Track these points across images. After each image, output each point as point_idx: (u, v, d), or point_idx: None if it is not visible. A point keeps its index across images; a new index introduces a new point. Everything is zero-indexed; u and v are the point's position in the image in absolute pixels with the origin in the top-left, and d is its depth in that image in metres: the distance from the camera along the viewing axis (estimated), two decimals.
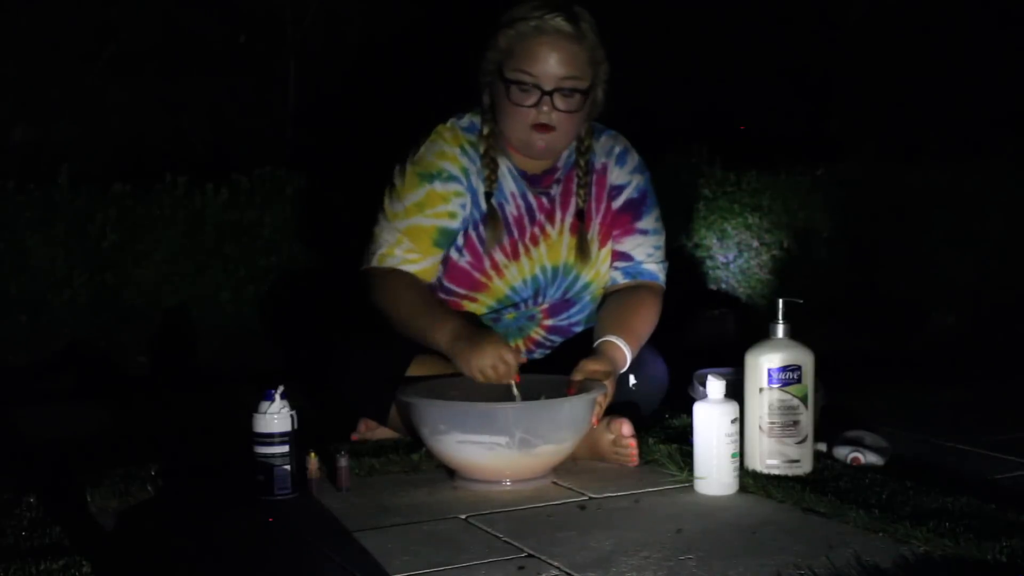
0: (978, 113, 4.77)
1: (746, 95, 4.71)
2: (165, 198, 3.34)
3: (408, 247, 2.32)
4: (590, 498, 2.01)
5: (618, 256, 2.43)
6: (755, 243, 4.05)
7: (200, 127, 3.94)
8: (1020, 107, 4.78)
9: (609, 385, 2.18)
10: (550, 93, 2.26)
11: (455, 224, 2.34)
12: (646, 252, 2.43)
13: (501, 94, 2.30)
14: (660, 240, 2.45)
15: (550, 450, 2.08)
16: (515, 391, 2.14)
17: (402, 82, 3.86)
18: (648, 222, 2.44)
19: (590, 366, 2.19)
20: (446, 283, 2.37)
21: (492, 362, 2.12)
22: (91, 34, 3.78)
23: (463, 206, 2.35)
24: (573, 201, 2.40)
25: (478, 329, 2.24)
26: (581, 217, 2.39)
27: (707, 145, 4.09)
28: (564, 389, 2.14)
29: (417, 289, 2.31)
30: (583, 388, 2.14)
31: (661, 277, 2.44)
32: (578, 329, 2.43)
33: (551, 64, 2.26)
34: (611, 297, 2.41)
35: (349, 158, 3.47)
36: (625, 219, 2.43)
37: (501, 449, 2.04)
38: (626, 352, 2.27)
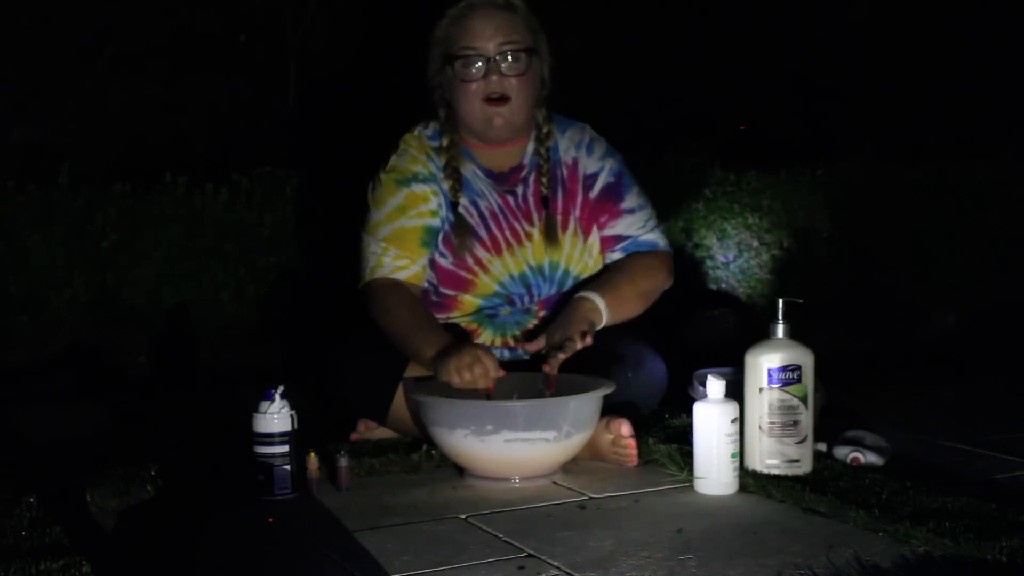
0: (978, 113, 4.77)
1: (746, 95, 4.71)
2: (165, 198, 3.34)
3: (395, 254, 2.34)
4: (590, 498, 2.01)
5: (613, 240, 2.44)
6: (755, 243, 4.05)
7: (200, 127, 3.94)
8: (1020, 107, 4.78)
9: (579, 334, 2.20)
10: (495, 58, 2.30)
11: (437, 222, 2.38)
12: (638, 227, 2.45)
13: (451, 78, 2.36)
14: (648, 213, 2.46)
15: (580, 440, 2.12)
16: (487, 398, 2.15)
17: (401, 82, 3.86)
18: (631, 200, 2.45)
19: (546, 339, 2.23)
20: (437, 286, 2.38)
21: (470, 361, 2.13)
22: (91, 34, 3.78)
23: (440, 205, 2.38)
24: (541, 194, 2.42)
25: (460, 340, 2.26)
26: (546, 204, 2.40)
27: (707, 145, 4.09)
28: (538, 385, 2.19)
29: (407, 306, 2.32)
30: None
31: (661, 243, 2.45)
32: None
33: (489, 32, 2.32)
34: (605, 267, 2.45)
35: (349, 158, 3.47)
36: (607, 205, 2.44)
37: (547, 444, 2.06)
38: (596, 301, 2.28)
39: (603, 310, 2.30)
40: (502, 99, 2.33)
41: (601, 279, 2.38)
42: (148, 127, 3.84)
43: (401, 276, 2.34)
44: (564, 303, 2.39)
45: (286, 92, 4.07)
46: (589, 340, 2.22)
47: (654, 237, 2.45)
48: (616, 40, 4.29)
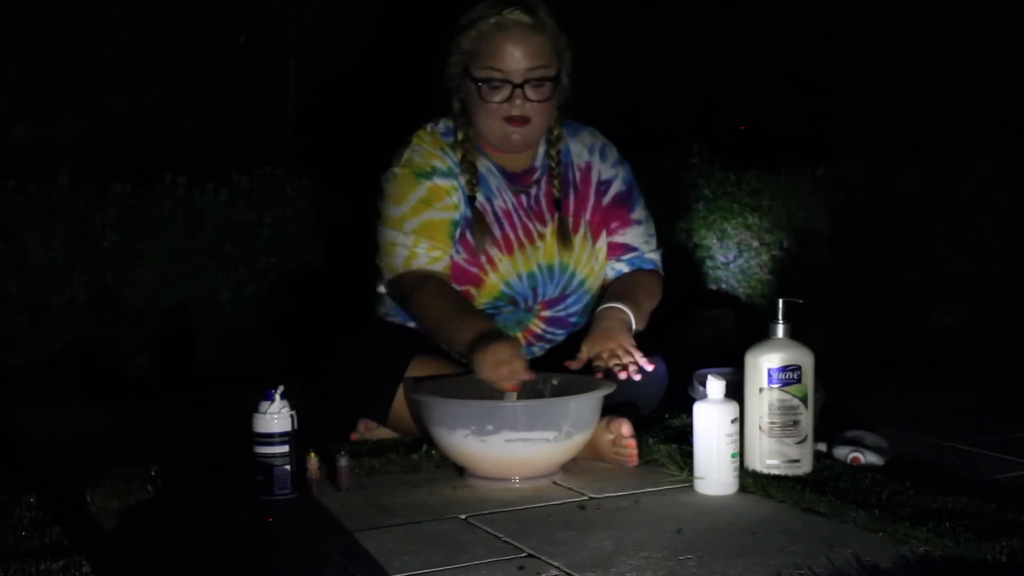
0: (978, 113, 4.77)
1: (746, 95, 4.71)
2: (165, 198, 3.34)
3: (429, 245, 2.32)
4: (590, 498, 2.01)
5: (621, 248, 2.45)
6: (755, 243, 4.05)
7: (200, 127, 3.94)
8: (1020, 107, 4.78)
9: (623, 340, 2.20)
10: (521, 85, 2.30)
11: (459, 216, 2.36)
12: (644, 240, 2.48)
13: (472, 94, 2.34)
14: (652, 227, 2.51)
15: (580, 440, 2.12)
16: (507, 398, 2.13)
17: (402, 82, 3.87)
18: (639, 212, 2.49)
19: (595, 349, 2.21)
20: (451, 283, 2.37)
21: (496, 362, 2.10)
22: (91, 34, 3.78)
23: (460, 201, 2.37)
24: (552, 197, 2.42)
25: (499, 332, 2.21)
26: (558, 206, 2.40)
27: (707, 145, 4.09)
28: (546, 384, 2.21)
29: (444, 295, 2.29)
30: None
31: (660, 265, 2.50)
32: (575, 320, 2.43)
33: (517, 58, 2.29)
34: (614, 280, 2.45)
35: (349, 158, 3.47)
36: (620, 212, 2.46)
37: (547, 444, 2.06)
38: (627, 311, 2.29)
39: (632, 320, 2.30)
40: (523, 120, 2.33)
41: (624, 293, 2.37)
42: (148, 127, 3.84)
43: (437, 267, 2.32)
44: (559, 298, 2.40)
45: (286, 92, 4.07)
46: (634, 350, 2.22)
47: (656, 258, 2.49)
48: (616, 39, 4.29)
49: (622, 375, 2.18)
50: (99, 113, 3.78)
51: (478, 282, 2.36)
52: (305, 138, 3.99)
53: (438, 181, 2.36)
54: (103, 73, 3.79)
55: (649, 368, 2.20)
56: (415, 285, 2.30)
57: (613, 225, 2.46)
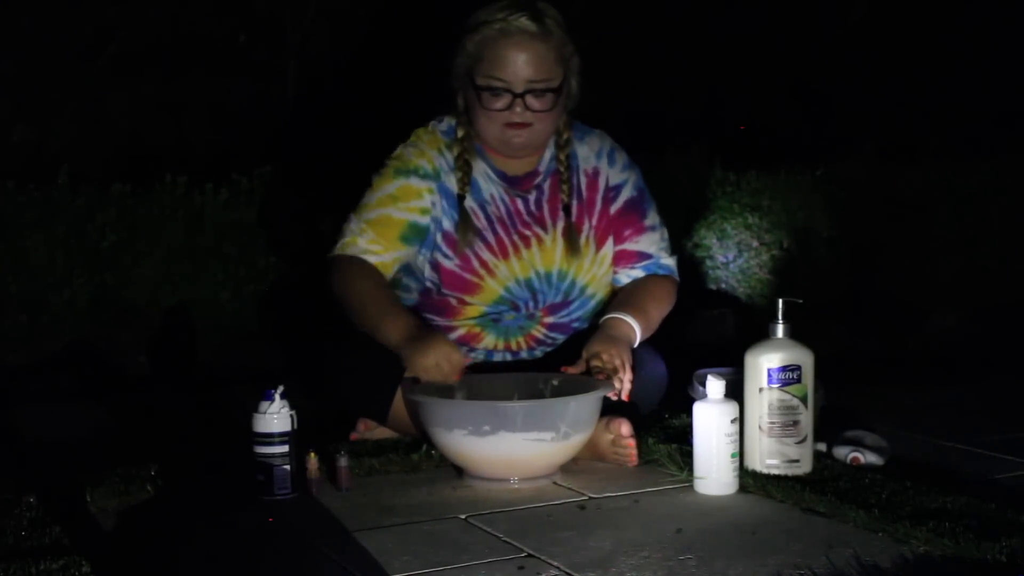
0: (978, 113, 4.77)
1: (746, 95, 4.71)
2: (165, 198, 3.34)
3: (371, 238, 2.34)
4: (590, 498, 2.01)
5: (636, 256, 2.44)
6: (755, 243, 4.05)
7: (200, 127, 3.94)
8: (1020, 107, 4.78)
9: (623, 355, 2.20)
10: (521, 95, 2.29)
11: (426, 220, 2.36)
12: (659, 246, 2.46)
13: (473, 99, 2.34)
14: (665, 232, 2.49)
15: (578, 441, 2.12)
16: (456, 390, 2.16)
17: (402, 82, 3.87)
18: (652, 217, 2.47)
19: (594, 349, 2.21)
20: (443, 289, 2.37)
21: (436, 361, 2.15)
22: (91, 34, 3.78)
23: (434, 204, 2.37)
24: (561, 203, 2.41)
25: (428, 329, 2.27)
26: (568, 212, 2.39)
27: (707, 145, 4.09)
28: (511, 388, 2.21)
29: (372, 280, 2.33)
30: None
31: (675, 270, 2.48)
32: (578, 325, 2.43)
33: (519, 66, 2.28)
34: (625, 285, 2.43)
35: (349, 158, 3.47)
36: (633, 219, 2.44)
37: (544, 445, 2.06)
38: (632, 324, 2.29)
39: (637, 333, 2.30)
40: (523, 125, 2.32)
41: (631, 301, 2.36)
42: (148, 127, 3.84)
43: (369, 260, 2.34)
44: (562, 304, 2.39)
45: (286, 92, 4.07)
46: (629, 370, 2.22)
47: (672, 263, 2.47)
48: (617, 39, 4.29)
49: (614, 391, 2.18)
50: (99, 113, 3.77)
51: (475, 288, 2.36)
52: (305, 138, 3.99)
53: (414, 181, 2.36)
54: (103, 73, 3.79)
55: (624, 399, 2.21)
56: (344, 267, 2.34)
57: (626, 233, 2.44)
